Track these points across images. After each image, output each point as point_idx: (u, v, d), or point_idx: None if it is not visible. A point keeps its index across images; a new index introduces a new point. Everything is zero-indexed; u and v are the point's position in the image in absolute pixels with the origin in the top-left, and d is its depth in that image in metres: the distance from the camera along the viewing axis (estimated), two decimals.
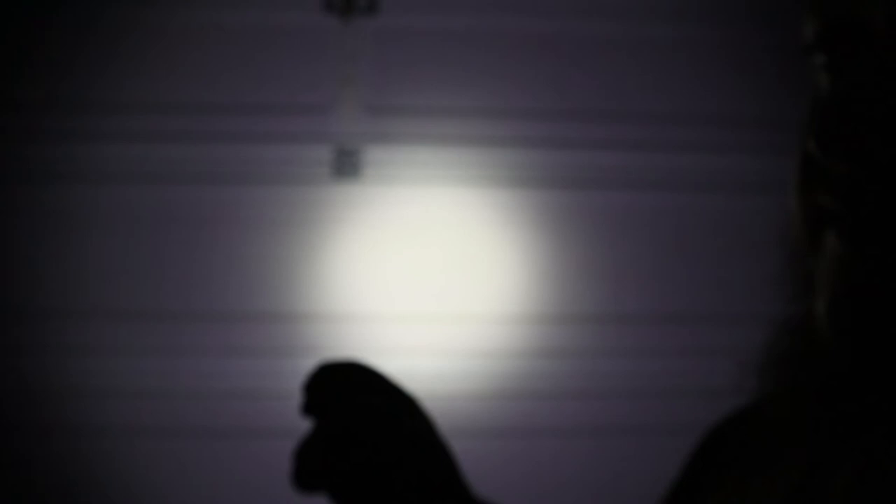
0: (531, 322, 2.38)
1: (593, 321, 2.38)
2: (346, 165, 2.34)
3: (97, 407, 2.26)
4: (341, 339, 2.33)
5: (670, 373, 2.37)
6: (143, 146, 2.29)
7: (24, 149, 2.27)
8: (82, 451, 2.26)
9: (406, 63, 2.37)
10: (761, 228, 2.41)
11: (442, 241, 2.37)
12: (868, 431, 0.53)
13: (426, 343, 2.35)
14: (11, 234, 2.27)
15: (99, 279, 2.28)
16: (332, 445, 0.62)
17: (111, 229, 2.29)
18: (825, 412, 0.55)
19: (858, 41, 0.51)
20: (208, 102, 2.31)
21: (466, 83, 2.38)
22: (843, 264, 0.51)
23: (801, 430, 0.57)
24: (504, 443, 2.35)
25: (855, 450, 0.53)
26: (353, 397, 0.65)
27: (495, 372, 2.37)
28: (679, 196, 2.41)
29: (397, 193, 2.36)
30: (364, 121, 2.35)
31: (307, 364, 2.40)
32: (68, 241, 2.28)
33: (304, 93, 2.33)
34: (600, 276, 2.39)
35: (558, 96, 2.40)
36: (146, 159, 2.29)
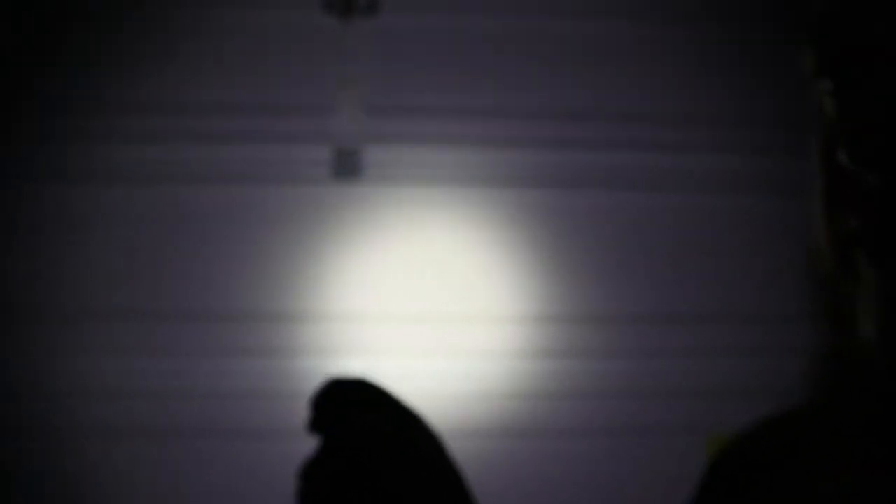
0: (532, 322, 2.37)
1: (595, 321, 2.38)
2: (346, 165, 2.34)
3: (96, 407, 2.26)
4: (341, 340, 2.33)
5: (671, 373, 2.37)
6: (141, 146, 2.29)
7: (23, 149, 2.27)
8: (81, 451, 2.25)
9: (406, 63, 2.36)
10: (759, 228, 2.41)
11: (442, 242, 2.36)
12: None
13: (426, 344, 2.35)
14: (11, 234, 2.26)
15: (99, 279, 2.28)
16: (339, 468, 0.61)
17: (111, 229, 2.29)
18: (873, 438, 0.54)
19: (865, 64, 0.52)
20: (208, 102, 2.31)
21: (467, 83, 2.38)
22: (884, 292, 0.51)
23: (845, 454, 0.55)
24: (505, 443, 2.34)
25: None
26: (361, 417, 0.63)
27: (496, 372, 2.36)
28: (682, 196, 2.41)
29: (397, 193, 2.36)
30: (364, 121, 2.35)
31: (307, 364, 2.39)
32: (68, 241, 2.27)
33: (304, 93, 2.33)
34: (602, 276, 2.39)
35: (559, 96, 2.40)
36: (145, 159, 2.29)
